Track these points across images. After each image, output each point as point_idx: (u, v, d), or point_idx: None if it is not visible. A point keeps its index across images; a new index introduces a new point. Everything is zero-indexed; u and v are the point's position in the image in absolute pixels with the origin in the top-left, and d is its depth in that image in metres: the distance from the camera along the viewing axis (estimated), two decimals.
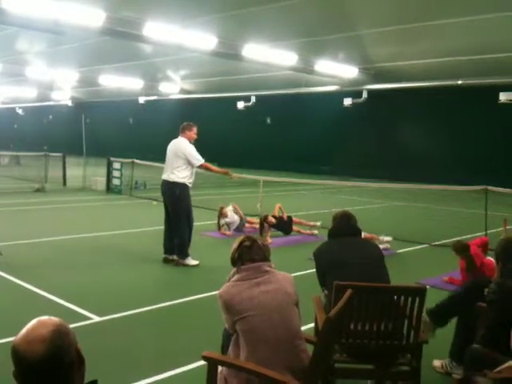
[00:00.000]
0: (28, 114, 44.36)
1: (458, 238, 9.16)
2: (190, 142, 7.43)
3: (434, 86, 18.51)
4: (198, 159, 7.29)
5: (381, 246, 7.99)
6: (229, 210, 9.98)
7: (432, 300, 3.88)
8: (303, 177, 18.77)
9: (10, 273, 6.58)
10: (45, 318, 1.57)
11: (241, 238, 3.12)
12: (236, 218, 9.97)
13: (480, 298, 3.69)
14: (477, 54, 15.07)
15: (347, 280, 3.35)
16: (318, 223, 9.86)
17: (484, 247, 6.76)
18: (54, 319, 1.57)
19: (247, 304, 2.82)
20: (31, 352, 1.48)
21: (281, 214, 9.74)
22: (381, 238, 8.59)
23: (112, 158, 16.88)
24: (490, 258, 6.36)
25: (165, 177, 7.44)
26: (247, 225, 10.09)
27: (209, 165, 7.46)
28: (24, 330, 1.54)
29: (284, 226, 9.69)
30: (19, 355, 1.50)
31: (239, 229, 9.84)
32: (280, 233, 9.72)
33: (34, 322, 1.56)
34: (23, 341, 1.51)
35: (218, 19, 13.31)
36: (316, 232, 9.73)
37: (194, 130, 7.51)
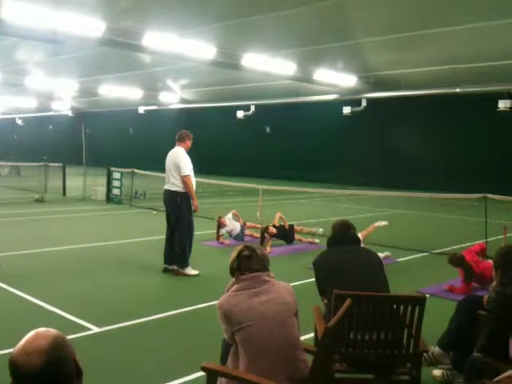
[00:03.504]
0: (28, 125, 44.35)
1: (458, 246, 9.21)
2: (187, 151, 7.53)
3: (433, 93, 18.52)
4: (185, 171, 7.32)
5: (381, 256, 8.00)
6: (227, 218, 9.97)
7: (432, 309, 3.88)
8: (303, 185, 18.77)
9: (9, 283, 6.56)
10: (42, 329, 1.57)
11: (240, 247, 3.08)
12: (236, 225, 9.96)
13: (477, 310, 3.70)
14: (476, 61, 15.08)
15: (347, 289, 3.35)
16: (320, 230, 9.83)
17: (482, 253, 6.83)
18: (52, 331, 1.56)
19: (246, 314, 2.80)
20: (29, 364, 1.47)
21: (282, 223, 9.73)
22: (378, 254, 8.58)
23: (112, 168, 16.88)
24: (490, 261, 6.42)
25: (167, 186, 7.53)
26: (247, 232, 10.08)
27: (190, 183, 7.36)
28: (22, 342, 1.53)
29: (286, 234, 9.67)
30: (17, 367, 1.49)
31: (239, 238, 9.83)
32: (282, 242, 9.70)
33: (31, 333, 1.55)
34: (21, 353, 1.50)
35: (218, 29, 13.35)
36: (317, 241, 9.71)
37: (191, 138, 7.66)
